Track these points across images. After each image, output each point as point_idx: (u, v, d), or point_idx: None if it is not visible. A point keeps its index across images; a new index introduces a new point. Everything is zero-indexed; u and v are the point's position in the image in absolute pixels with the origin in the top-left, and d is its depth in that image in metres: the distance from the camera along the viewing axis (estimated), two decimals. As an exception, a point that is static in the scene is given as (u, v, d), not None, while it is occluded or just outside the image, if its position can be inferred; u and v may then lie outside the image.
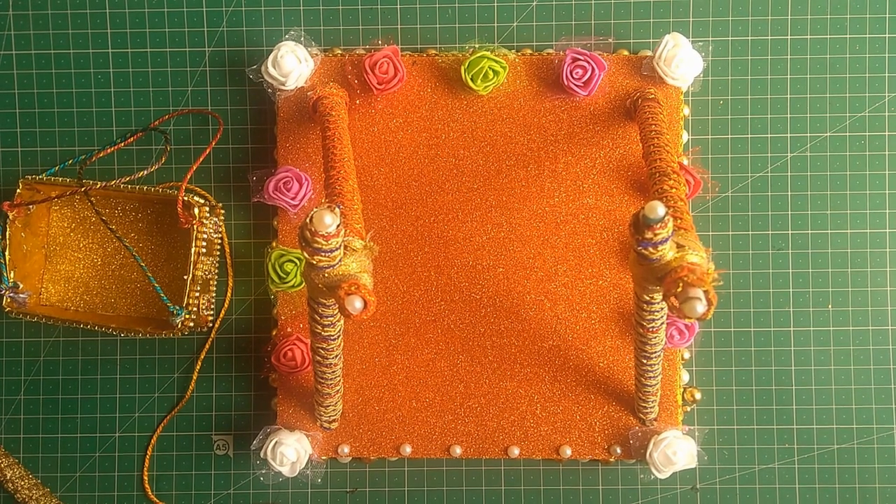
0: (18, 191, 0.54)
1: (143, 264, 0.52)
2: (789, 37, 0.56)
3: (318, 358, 0.45)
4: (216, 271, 0.55)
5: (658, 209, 0.36)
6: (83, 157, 0.55)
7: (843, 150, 0.56)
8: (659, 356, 0.47)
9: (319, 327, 0.42)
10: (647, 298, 0.42)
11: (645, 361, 0.47)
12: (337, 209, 0.36)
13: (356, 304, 0.37)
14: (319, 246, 0.36)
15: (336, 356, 0.45)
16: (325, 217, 0.36)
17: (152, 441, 0.57)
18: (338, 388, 0.50)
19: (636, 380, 0.50)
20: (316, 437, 0.54)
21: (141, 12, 0.56)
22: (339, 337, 0.44)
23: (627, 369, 0.54)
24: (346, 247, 0.39)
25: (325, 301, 0.40)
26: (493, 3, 0.56)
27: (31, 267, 0.56)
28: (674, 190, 0.44)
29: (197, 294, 0.54)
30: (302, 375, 0.54)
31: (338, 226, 0.36)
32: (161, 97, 0.57)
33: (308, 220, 0.36)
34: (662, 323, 0.44)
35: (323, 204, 0.38)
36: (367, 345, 0.55)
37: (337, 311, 0.41)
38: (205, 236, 0.53)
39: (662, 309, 0.42)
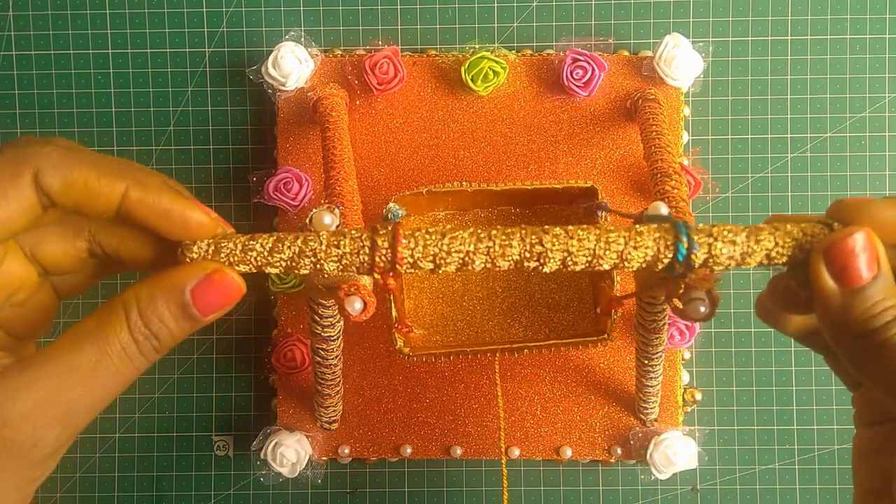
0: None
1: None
2: (789, 37, 0.56)
3: (318, 359, 0.45)
4: None
5: (661, 210, 0.36)
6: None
7: (844, 150, 0.55)
8: (660, 357, 0.47)
9: (319, 328, 0.42)
10: (650, 299, 0.42)
11: (646, 362, 0.47)
12: (337, 210, 0.36)
13: (356, 304, 0.37)
14: None
15: (336, 357, 0.45)
16: (324, 218, 0.36)
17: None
18: (338, 388, 0.50)
19: (637, 380, 0.50)
20: (316, 438, 0.54)
21: (141, 13, 0.56)
22: (339, 338, 0.44)
23: (627, 370, 0.54)
24: None
25: (324, 302, 0.40)
26: (493, 4, 0.56)
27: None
28: (676, 190, 0.44)
29: None
30: (302, 376, 0.54)
31: (338, 226, 0.36)
32: (161, 98, 0.57)
33: (308, 221, 0.36)
34: (664, 324, 0.44)
35: (323, 204, 0.38)
36: (367, 345, 0.54)
37: (337, 311, 0.41)
38: None
39: (665, 310, 0.42)
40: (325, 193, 0.46)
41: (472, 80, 0.53)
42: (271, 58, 0.53)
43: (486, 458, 0.55)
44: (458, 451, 0.54)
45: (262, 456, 0.53)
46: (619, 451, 0.54)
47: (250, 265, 0.33)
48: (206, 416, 0.57)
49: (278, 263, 0.33)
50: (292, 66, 0.53)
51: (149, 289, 0.30)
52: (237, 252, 0.32)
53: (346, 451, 0.55)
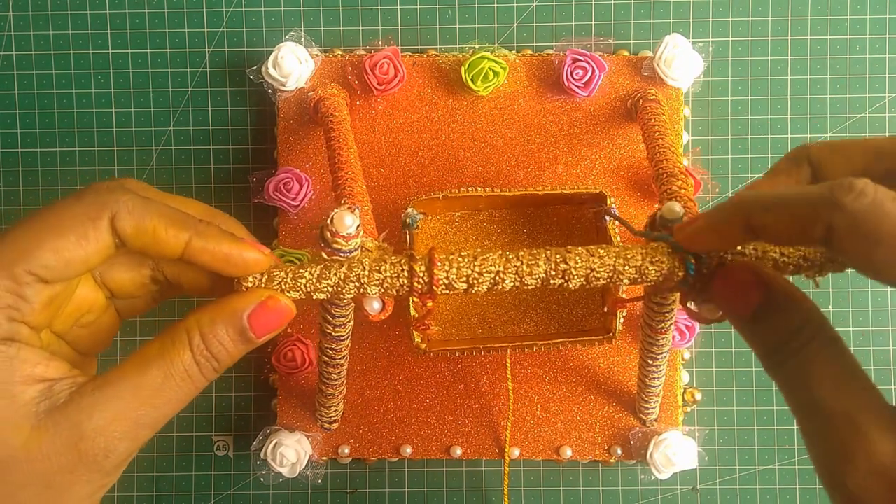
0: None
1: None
2: (789, 37, 0.56)
3: (326, 358, 0.45)
4: None
5: (676, 209, 0.36)
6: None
7: (844, 150, 0.55)
8: (665, 357, 0.47)
9: (330, 328, 0.42)
10: (658, 300, 0.41)
11: (650, 362, 0.47)
12: (357, 210, 0.36)
13: (374, 304, 0.37)
14: (339, 247, 0.36)
15: (343, 357, 0.45)
16: (345, 218, 0.36)
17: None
18: (341, 389, 0.50)
19: (639, 381, 0.50)
20: (316, 438, 0.54)
21: (141, 13, 0.56)
22: (348, 337, 0.44)
23: (628, 370, 0.54)
24: (361, 247, 0.39)
25: (338, 301, 0.40)
26: (493, 4, 0.56)
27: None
28: (683, 190, 0.43)
29: None
30: (302, 376, 0.54)
31: (357, 227, 0.36)
32: (161, 98, 0.57)
33: (329, 221, 0.36)
34: (671, 324, 0.44)
35: (343, 205, 0.38)
36: (367, 345, 0.54)
37: (349, 311, 0.41)
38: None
39: (672, 311, 0.42)
40: (334, 195, 0.46)
41: (472, 80, 0.53)
42: (271, 58, 0.53)
43: (486, 458, 0.55)
44: (458, 451, 0.54)
45: (262, 456, 0.53)
46: (619, 451, 0.54)
47: (300, 291, 0.35)
48: (206, 416, 0.57)
49: (325, 289, 0.35)
50: (292, 66, 0.53)
51: (210, 315, 0.34)
52: (288, 280, 0.35)
53: (346, 451, 0.55)
